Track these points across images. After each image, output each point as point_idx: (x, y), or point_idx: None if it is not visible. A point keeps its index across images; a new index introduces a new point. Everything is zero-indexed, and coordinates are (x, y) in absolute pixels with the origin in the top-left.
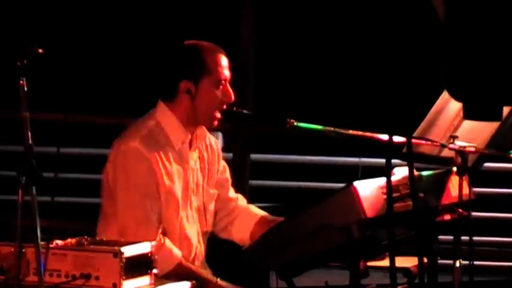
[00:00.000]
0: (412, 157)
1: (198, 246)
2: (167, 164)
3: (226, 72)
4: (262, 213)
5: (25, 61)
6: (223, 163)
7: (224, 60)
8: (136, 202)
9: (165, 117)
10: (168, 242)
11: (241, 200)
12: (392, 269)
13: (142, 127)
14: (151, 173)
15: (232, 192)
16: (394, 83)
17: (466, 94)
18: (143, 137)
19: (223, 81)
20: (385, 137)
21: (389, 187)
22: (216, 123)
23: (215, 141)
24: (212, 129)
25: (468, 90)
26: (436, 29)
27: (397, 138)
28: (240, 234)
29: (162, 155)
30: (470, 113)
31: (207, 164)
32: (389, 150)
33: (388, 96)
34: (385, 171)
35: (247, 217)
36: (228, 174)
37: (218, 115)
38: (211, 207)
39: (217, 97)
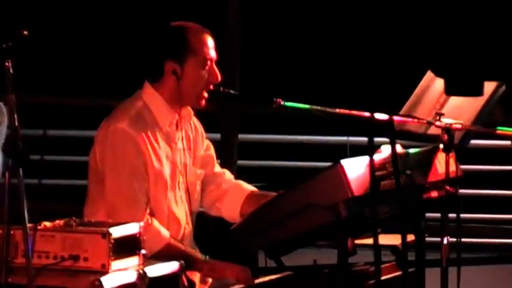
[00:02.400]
0: (394, 135)
1: (187, 227)
2: (155, 145)
3: (212, 53)
4: (252, 188)
5: (10, 43)
6: (207, 142)
7: (209, 41)
8: (124, 183)
9: (151, 98)
10: (156, 223)
11: (229, 175)
12: (376, 247)
13: (129, 108)
14: (139, 153)
15: (218, 168)
16: (381, 62)
17: (448, 70)
18: (131, 117)
19: (208, 61)
20: (368, 115)
21: (372, 165)
22: (203, 103)
23: (197, 120)
24: (200, 109)
25: (449, 66)
26: (418, 9)
27: (381, 116)
28: (229, 211)
29: (150, 136)
30: (451, 88)
31: (194, 144)
32: (372, 129)
33: (373, 75)
34: (368, 149)
35: (236, 193)
36: (212, 151)
37: (205, 95)
38: (198, 187)
39: (203, 77)
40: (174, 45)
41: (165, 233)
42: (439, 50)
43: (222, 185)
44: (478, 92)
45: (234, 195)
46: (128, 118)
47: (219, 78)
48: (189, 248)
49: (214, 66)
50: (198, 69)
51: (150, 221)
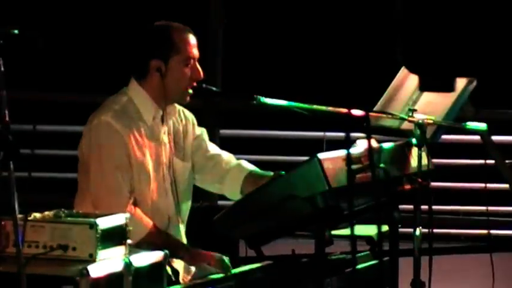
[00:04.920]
0: (370, 130)
1: (172, 217)
2: (139, 138)
3: (195, 51)
4: (251, 168)
5: (1, 41)
6: (200, 129)
7: (192, 39)
8: (108, 173)
9: (137, 94)
10: (138, 211)
11: (228, 156)
12: (352, 237)
13: (115, 103)
14: (122, 145)
15: (214, 148)
16: (356, 60)
17: (421, 67)
18: (115, 111)
19: (191, 60)
20: (344, 111)
21: (349, 159)
22: (188, 98)
23: (188, 112)
24: (184, 105)
25: (423, 63)
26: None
27: (357, 112)
28: (230, 191)
29: (134, 129)
30: (425, 84)
31: (182, 137)
32: (348, 124)
33: (349, 72)
34: (346, 143)
35: (236, 173)
36: (204, 136)
37: (190, 91)
38: (185, 179)
39: (186, 74)
40: (158, 43)
41: (147, 221)
42: (414, 48)
43: (222, 165)
44: (451, 88)
45: (234, 175)
46: (112, 112)
47: (202, 75)
48: (172, 235)
49: (197, 64)
50: (182, 66)
51: (133, 210)
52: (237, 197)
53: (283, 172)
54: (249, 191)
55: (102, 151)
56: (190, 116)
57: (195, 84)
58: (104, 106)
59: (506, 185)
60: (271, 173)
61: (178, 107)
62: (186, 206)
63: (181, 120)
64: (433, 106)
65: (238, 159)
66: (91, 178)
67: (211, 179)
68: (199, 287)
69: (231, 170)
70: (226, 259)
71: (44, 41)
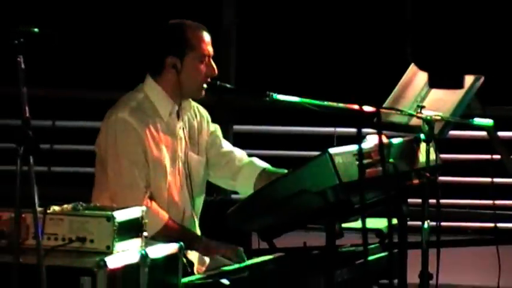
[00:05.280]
0: (381, 126)
1: (187, 210)
2: (155, 134)
3: (209, 48)
4: (264, 165)
5: (22, 40)
6: (214, 125)
7: (206, 37)
8: (125, 169)
9: (152, 90)
10: (154, 205)
11: (241, 153)
12: (364, 230)
13: (131, 99)
14: (139, 142)
15: (227, 145)
16: (367, 58)
17: (431, 64)
18: (132, 108)
19: (206, 56)
20: (356, 107)
21: (361, 154)
22: (203, 93)
23: (203, 108)
24: (199, 102)
25: (433, 61)
26: (403, 8)
27: (368, 109)
28: (243, 188)
29: (150, 125)
30: (434, 81)
31: (196, 133)
32: (360, 120)
33: (361, 70)
34: (357, 139)
35: (249, 171)
36: (218, 133)
37: (205, 86)
38: (199, 173)
39: (201, 71)
40: (174, 41)
41: (163, 214)
42: (423, 46)
43: (235, 162)
44: (459, 85)
45: (247, 172)
46: (129, 108)
47: (216, 71)
48: (187, 228)
49: (211, 61)
50: (196, 63)
51: (149, 204)
52: (250, 193)
53: None
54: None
55: (119, 147)
56: (205, 113)
57: (209, 80)
58: (120, 103)
59: None
60: (285, 170)
61: (193, 103)
62: (200, 200)
63: (196, 116)
64: (441, 103)
65: (250, 155)
66: (108, 173)
67: (224, 175)
68: (214, 277)
69: (244, 167)
70: (241, 250)
71: (59, 39)
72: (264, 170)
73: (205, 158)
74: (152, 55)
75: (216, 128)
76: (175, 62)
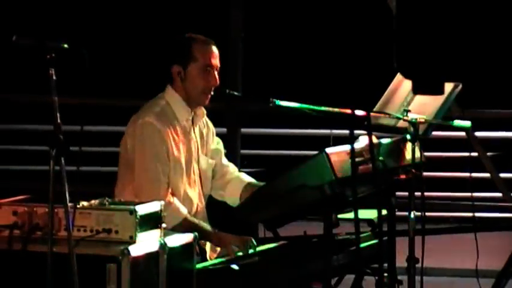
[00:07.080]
0: (371, 128)
1: (199, 205)
2: (175, 136)
3: (213, 61)
4: (249, 180)
5: (53, 54)
6: (217, 138)
7: (210, 50)
8: (150, 166)
9: (172, 97)
10: (176, 201)
11: (233, 168)
12: (357, 220)
13: (155, 105)
14: (162, 142)
15: (225, 160)
16: (359, 67)
17: (414, 73)
18: (156, 113)
19: (208, 68)
20: (349, 111)
21: (353, 153)
22: (206, 101)
23: (209, 120)
24: (209, 108)
25: (416, 70)
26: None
27: (360, 113)
28: (231, 198)
29: (171, 128)
30: (418, 88)
31: (206, 138)
32: (353, 123)
33: (353, 78)
34: (350, 139)
35: (236, 184)
36: (221, 146)
37: (209, 95)
38: (209, 173)
39: (202, 80)
40: (179, 52)
41: (183, 210)
42: (407, 56)
43: (226, 176)
44: (440, 91)
45: (234, 185)
46: (154, 114)
47: (217, 82)
48: (202, 222)
49: (215, 72)
50: (198, 73)
51: (172, 200)
52: (236, 203)
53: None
54: (245, 198)
55: (145, 147)
56: (212, 126)
57: (212, 89)
58: (146, 108)
59: (488, 174)
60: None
61: (204, 112)
62: (207, 195)
63: (205, 126)
64: (424, 107)
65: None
66: (135, 171)
67: (217, 185)
68: (226, 263)
69: (232, 180)
70: (252, 240)
71: (89, 54)
72: (248, 183)
73: (213, 161)
74: (164, 65)
75: (219, 141)
76: (179, 70)
